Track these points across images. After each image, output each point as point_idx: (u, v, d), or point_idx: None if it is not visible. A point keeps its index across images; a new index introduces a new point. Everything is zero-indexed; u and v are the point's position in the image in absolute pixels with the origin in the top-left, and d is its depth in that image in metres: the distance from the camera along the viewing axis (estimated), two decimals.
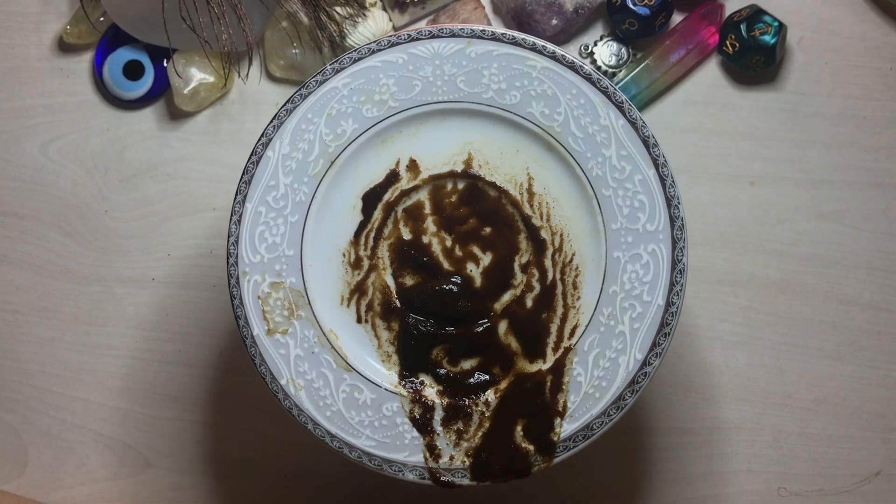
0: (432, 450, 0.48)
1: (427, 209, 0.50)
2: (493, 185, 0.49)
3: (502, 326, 0.49)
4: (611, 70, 0.63)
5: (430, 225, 0.50)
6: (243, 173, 0.49)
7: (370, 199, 0.50)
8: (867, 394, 0.63)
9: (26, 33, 0.65)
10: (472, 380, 0.49)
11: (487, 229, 0.49)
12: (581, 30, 0.64)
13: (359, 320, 0.50)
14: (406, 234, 0.50)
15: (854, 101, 0.63)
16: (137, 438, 0.64)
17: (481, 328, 0.49)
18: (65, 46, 0.65)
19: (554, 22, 0.62)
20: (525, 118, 0.48)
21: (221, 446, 0.64)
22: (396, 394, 0.49)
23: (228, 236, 0.49)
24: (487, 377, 0.49)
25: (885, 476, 0.63)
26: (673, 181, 0.48)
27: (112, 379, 0.65)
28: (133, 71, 0.63)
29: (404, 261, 0.50)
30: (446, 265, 0.49)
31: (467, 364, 0.49)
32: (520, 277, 0.49)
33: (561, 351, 0.48)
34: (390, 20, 0.64)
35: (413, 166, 0.49)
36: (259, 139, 0.49)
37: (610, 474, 0.63)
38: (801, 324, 0.63)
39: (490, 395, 0.49)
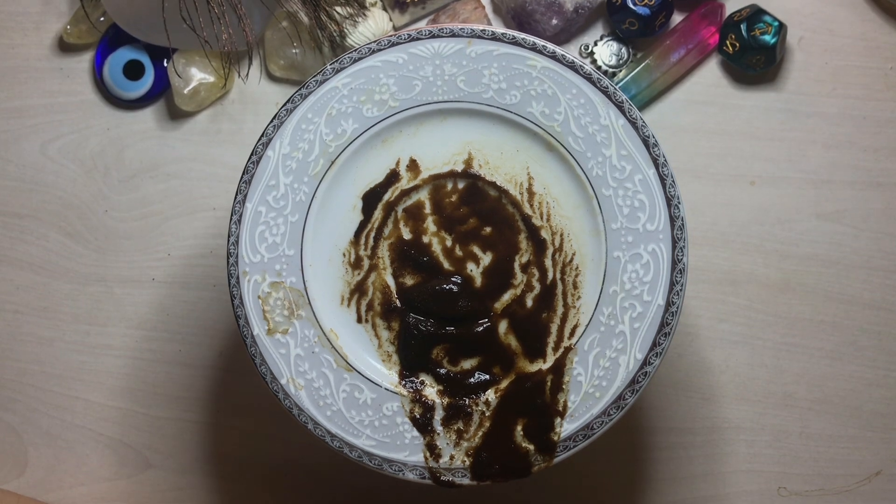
0: (432, 449, 0.48)
1: (427, 209, 0.50)
2: (493, 184, 0.49)
3: (502, 326, 0.49)
4: (611, 70, 0.63)
5: (430, 225, 0.50)
6: (243, 173, 0.49)
7: (370, 198, 0.50)
8: (867, 394, 0.63)
9: (26, 33, 0.65)
10: (472, 379, 0.49)
11: (487, 229, 0.49)
12: (581, 30, 0.64)
13: (359, 320, 0.50)
14: (406, 234, 0.50)
15: (854, 101, 0.63)
16: (137, 438, 0.64)
17: (481, 328, 0.49)
18: (65, 46, 0.65)
19: (554, 22, 0.62)
20: (525, 118, 0.48)
21: (221, 446, 0.64)
22: (397, 393, 0.49)
23: (228, 236, 0.49)
24: (487, 377, 0.49)
25: (885, 476, 0.63)
26: (673, 181, 0.48)
27: (112, 379, 0.65)
28: (133, 71, 0.63)
29: (404, 260, 0.50)
30: (446, 265, 0.49)
31: (467, 364, 0.49)
32: (520, 277, 0.49)
33: (561, 350, 0.48)
34: (390, 20, 0.64)
35: (413, 166, 0.49)
36: (259, 139, 0.49)
37: (610, 474, 0.63)
38: (801, 324, 0.63)
39: (490, 395, 0.49)
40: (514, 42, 0.48)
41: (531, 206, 0.49)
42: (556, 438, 0.48)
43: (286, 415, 0.50)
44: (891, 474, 0.63)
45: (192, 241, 0.64)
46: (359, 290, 0.50)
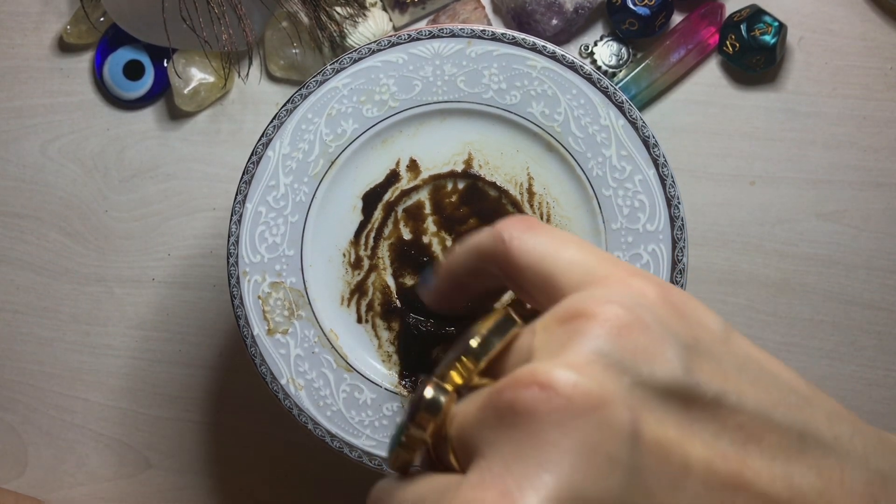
0: None
1: (427, 209, 0.50)
2: (493, 185, 0.49)
3: None
4: (611, 70, 0.63)
5: (430, 225, 0.50)
6: (243, 173, 0.49)
7: (370, 199, 0.50)
8: (867, 394, 0.63)
9: (26, 33, 0.65)
10: None
11: None
12: (581, 30, 0.64)
13: (359, 320, 0.50)
14: (406, 234, 0.50)
15: (854, 101, 0.63)
16: (137, 438, 0.64)
17: None
18: (65, 46, 0.65)
19: (554, 22, 0.62)
20: (525, 118, 0.48)
21: (221, 446, 0.64)
22: (397, 393, 0.49)
23: (229, 236, 0.49)
24: None
25: None
26: (673, 181, 0.48)
27: (112, 379, 0.65)
28: (133, 71, 0.63)
29: (404, 261, 0.50)
30: None
31: None
32: None
33: None
34: (390, 20, 0.64)
35: (413, 166, 0.49)
36: (259, 139, 0.49)
37: None
38: (801, 324, 0.63)
39: None
40: (514, 42, 0.48)
41: (531, 206, 0.49)
42: None
43: (286, 415, 0.50)
44: None
45: (192, 241, 0.64)
46: (359, 290, 0.50)
